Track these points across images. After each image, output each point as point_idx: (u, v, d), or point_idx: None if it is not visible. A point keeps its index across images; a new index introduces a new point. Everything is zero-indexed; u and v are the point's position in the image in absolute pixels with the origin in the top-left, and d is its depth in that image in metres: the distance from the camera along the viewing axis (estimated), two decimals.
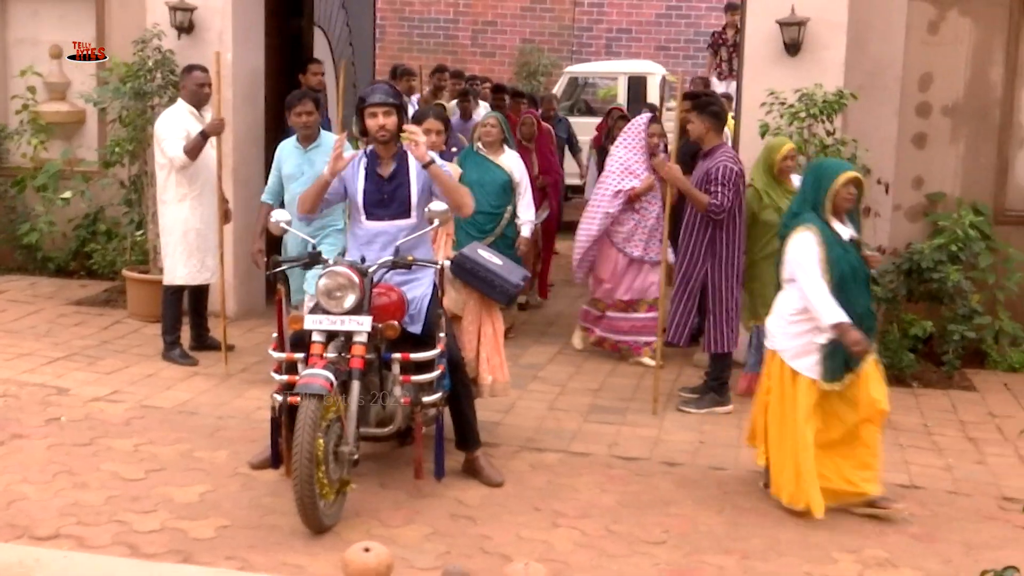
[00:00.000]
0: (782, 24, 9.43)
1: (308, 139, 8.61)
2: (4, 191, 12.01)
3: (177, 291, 9.33)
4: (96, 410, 8.04)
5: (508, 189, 9.77)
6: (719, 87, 16.42)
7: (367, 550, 3.91)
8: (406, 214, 6.93)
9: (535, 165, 11.60)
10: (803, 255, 6.59)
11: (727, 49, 16.81)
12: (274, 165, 8.75)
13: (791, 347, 6.71)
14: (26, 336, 9.73)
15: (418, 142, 6.78)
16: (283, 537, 6.14)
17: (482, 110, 12.92)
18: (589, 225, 9.88)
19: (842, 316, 6.45)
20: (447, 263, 7.19)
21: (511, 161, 9.88)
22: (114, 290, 11.11)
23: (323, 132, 8.72)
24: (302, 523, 6.11)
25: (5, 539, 5.79)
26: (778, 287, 6.95)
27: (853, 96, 9.22)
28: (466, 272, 7.38)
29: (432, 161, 6.83)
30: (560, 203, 12.52)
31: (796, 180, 8.58)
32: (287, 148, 8.70)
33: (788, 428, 6.70)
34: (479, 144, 9.87)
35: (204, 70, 9.20)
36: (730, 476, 7.34)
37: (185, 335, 9.46)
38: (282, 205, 8.52)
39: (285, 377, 6.60)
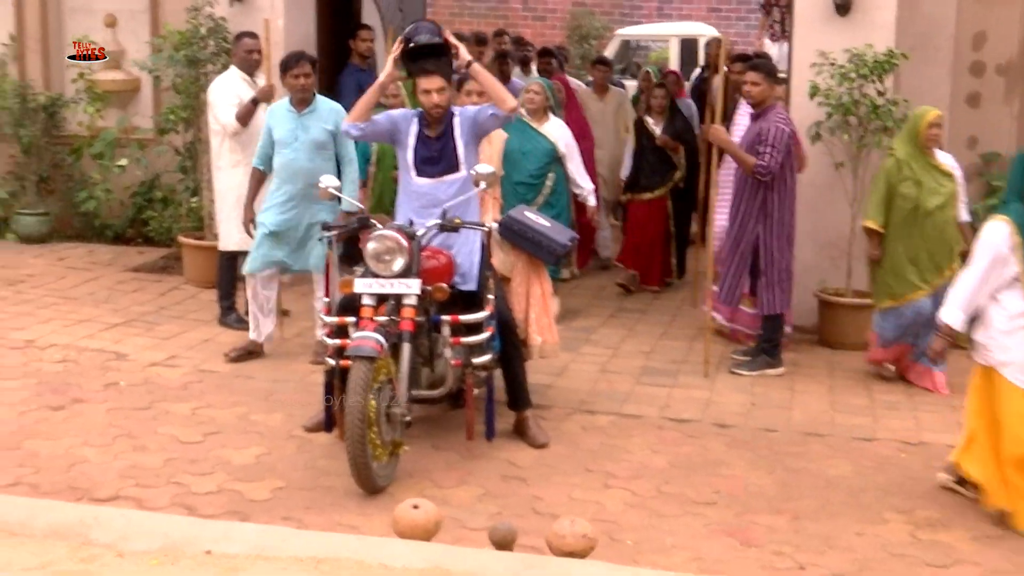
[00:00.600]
0: None
1: (303, 103, 8.39)
2: (62, 159, 12.15)
3: (231, 256, 9.39)
4: (154, 374, 8.16)
5: (552, 158, 9.58)
6: (772, 49, 16.30)
7: (416, 507, 3.97)
8: (454, 168, 7.02)
9: None
10: (984, 244, 6.17)
11: (780, 10, 16.61)
12: (264, 129, 8.53)
13: (1017, 359, 6.18)
14: (85, 302, 9.87)
15: (458, 46, 7.03)
16: (337, 498, 6.23)
17: (534, 75, 12.80)
18: (722, 212, 9.06)
19: (956, 322, 6.19)
20: (494, 225, 7.21)
21: (556, 130, 9.61)
22: (171, 256, 11.22)
23: (318, 97, 8.52)
24: (356, 484, 6.20)
25: (66, 500, 5.92)
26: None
27: (904, 56, 9.13)
28: (513, 233, 7.41)
29: (472, 61, 7.05)
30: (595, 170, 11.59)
31: (940, 156, 8.43)
32: (279, 111, 8.46)
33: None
34: (522, 111, 9.41)
35: (254, 37, 9.25)
36: (781, 437, 7.35)
37: (240, 300, 9.56)
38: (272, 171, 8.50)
39: (337, 341, 6.67)
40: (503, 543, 3.92)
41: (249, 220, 8.59)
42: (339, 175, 8.32)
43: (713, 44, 13.44)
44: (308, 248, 8.46)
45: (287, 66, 8.39)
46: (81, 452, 6.76)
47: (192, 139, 10.81)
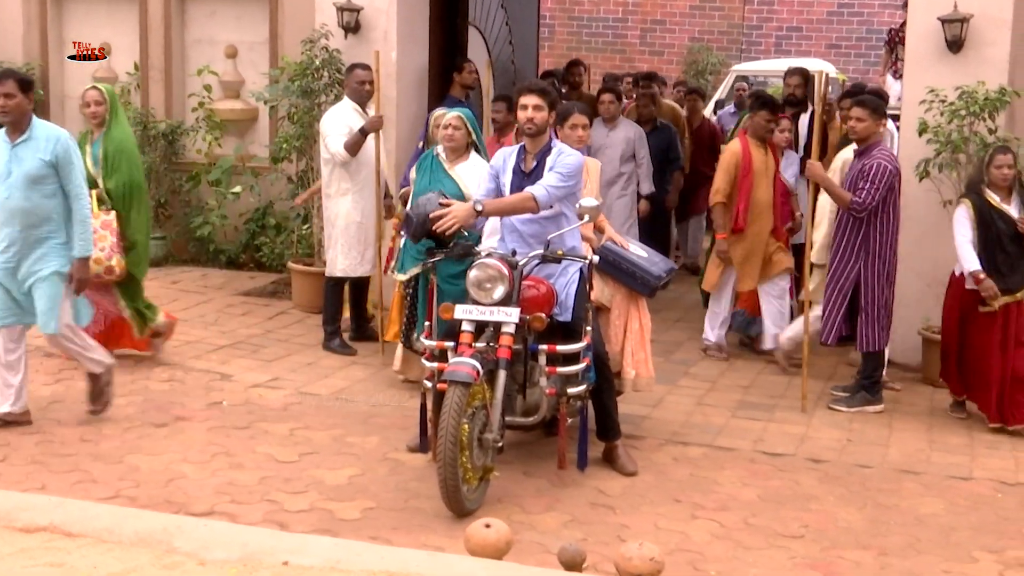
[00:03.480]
0: (944, 21, 9.26)
1: (14, 129, 7.28)
2: (180, 185, 12.48)
3: (338, 282, 9.58)
4: (256, 396, 8.35)
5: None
6: (895, 86, 16.12)
7: (488, 526, 4.04)
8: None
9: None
10: None
11: (903, 47, 16.44)
12: None
13: None
14: (195, 324, 10.11)
15: (443, 216, 6.81)
16: (426, 519, 6.32)
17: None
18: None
19: None
20: (595, 258, 7.24)
21: (471, 171, 8.00)
22: (281, 282, 11.46)
23: (36, 123, 7.36)
24: (445, 506, 6.28)
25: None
26: None
27: (1017, 94, 9.01)
28: (608, 264, 7.44)
29: (480, 212, 6.84)
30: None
31: None
32: None
33: None
34: (439, 149, 8.19)
35: (365, 68, 9.44)
36: (875, 474, 7.29)
37: (345, 325, 9.73)
38: None
39: (435, 364, 6.77)
40: (571, 564, 3.97)
41: None
42: (67, 214, 7.39)
43: (792, 76, 11.79)
44: (35, 299, 7.37)
45: None
46: (180, 468, 6.94)
47: (304, 168, 11.04)
